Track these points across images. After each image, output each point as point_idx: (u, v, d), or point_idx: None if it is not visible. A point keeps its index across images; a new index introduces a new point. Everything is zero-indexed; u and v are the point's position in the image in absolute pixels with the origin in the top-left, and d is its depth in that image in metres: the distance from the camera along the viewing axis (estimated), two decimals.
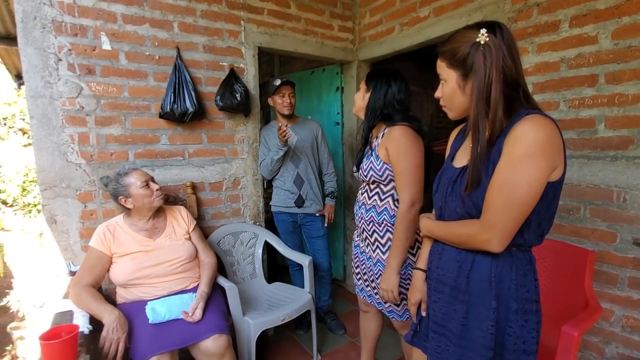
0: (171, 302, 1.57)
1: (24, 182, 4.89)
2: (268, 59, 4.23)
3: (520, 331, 0.89)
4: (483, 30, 0.84)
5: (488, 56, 0.84)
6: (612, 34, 1.50)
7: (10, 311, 2.83)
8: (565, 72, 1.64)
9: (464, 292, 0.94)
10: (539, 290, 0.94)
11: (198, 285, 1.70)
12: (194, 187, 2.13)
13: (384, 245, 1.47)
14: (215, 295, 1.73)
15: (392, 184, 1.45)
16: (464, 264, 0.94)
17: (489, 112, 0.85)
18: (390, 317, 1.53)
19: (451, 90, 0.94)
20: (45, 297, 1.60)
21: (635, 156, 1.47)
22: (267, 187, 2.59)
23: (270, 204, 2.43)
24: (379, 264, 1.49)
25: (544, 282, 1.53)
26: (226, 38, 2.20)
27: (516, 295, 0.89)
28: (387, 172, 1.43)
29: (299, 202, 2.32)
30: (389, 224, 1.46)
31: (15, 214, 4.89)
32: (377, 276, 1.50)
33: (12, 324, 2.14)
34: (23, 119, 5.70)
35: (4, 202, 4.99)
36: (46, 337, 1.16)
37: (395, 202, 1.46)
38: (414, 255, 1.47)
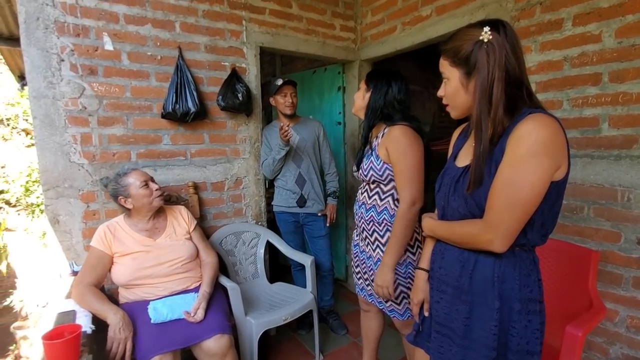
0: (173, 302, 1.57)
1: (27, 183, 4.91)
2: (270, 59, 4.23)
3: (523, 332, 0.89)
4: (486, 28, 0.84)
5: (491, 54, 0.83)
6: (615, 32, 1.49)
7: (14, 311, 2.85)
8: (568, 70, 1.63)
9: (466, 292, 0.93)
10: (542, 291, 0.93)
11: (200, 285, 1.70)
12: (196, 187, 2.13)
13: (384, 245, 1.47)
14: (218, 295, 1.73)
15: (392, 183, 1.45)
16: (467, 264, 0.94)
17: (491, 111, 0.84)
18: (392, 316, 1.53)
19: (454, 89, 0.93)
20: (48, 296, 1.60)
21: (639, 155, 1.46)
22: (269, 187, 2.59)
23: (272, 203, 2.43)
24: (379, 263, 1.48)
25: (548, 282, 1.51)
26: (228, 38, 2.20)
27: (519, 295, 0.89)
28: (388, 171, 1.43)
29: (301, 201, 2.32)
30: (389, 224, 1.45)
31: (19, 214, 4.92)
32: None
33: (15, 324, 2.14)
34: (26, 120, 5.73)
35: (8, 202, 5.01)
36: (49, 337, 1.16)
37: (396, 202, 1.45)
38: (414, 254, 1.47)
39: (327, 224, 2.42)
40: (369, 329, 1.77)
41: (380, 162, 1.43)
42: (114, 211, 1.84)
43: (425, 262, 1.14)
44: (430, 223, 1.07)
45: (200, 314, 1.53)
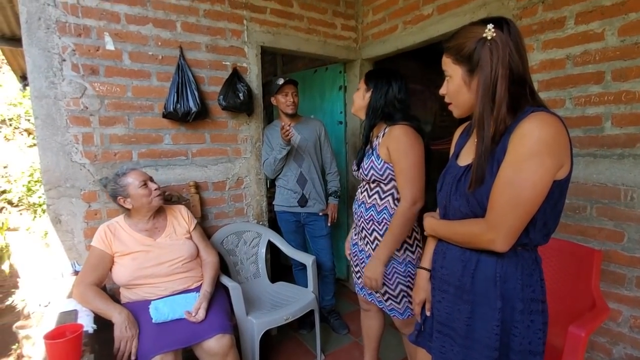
0: (174, 302, 1.57)
1: (29, 182, 4.92)
2: (271, 58, 4.22)
3: (526, 332, 0.88)
4: (490, 26, 0.83)
5: (494, 52, 0.82)
6: (618, 30, 1.48)
7: (16, 310, 2.86)
8: (571, 69, 1.62)
9: (468, 292, 0.93)
10: (545, 290, 0.93)
11: (201, 284, 1.70)
12: (197, 186, 2.13)
13: None
14: (219, 295, 1.73)
15: (393, 183, 1.45)
16: (469, 264, 0.94)
17: (494, 109, 0.84)
18: (392, 315, 1.53)
19: (456, 87, 0.93)
20: (50, 296, 1.61)
21: None
22: (270, 187, 2.59)
23: (274, 203, 2.43)
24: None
25: (550, 282, 1.51)
26: (229, 37, 2.20)
27: (522, 295, 0.88)
28: (388, 171, 1.43)
29: (302, 201, 2.32)
30: (388, 223, 1.45)
31: (21, 214, 4.93)
32: None
33: (17, 323, 2.15)
34: (28, 120, 5.74)
35: (10, 202, 5.03)
36: (51, 337, 1.16)
37: (396, 201, 1.45)
38: (413, 253, 1.47)
39: (329, 224, 2.42)
40: (370, 328, 1.77)
41: (381, 161, 1.43)
42: (116, 211, 1.84)
43: (426, 262, 1.14)
44: (432, 222, 1.07)
45: (201, 314, 1.53)
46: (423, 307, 1.14)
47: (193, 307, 1.56)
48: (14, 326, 2.12)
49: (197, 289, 1.69)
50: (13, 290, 3.16)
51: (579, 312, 1.38)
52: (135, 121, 1.94)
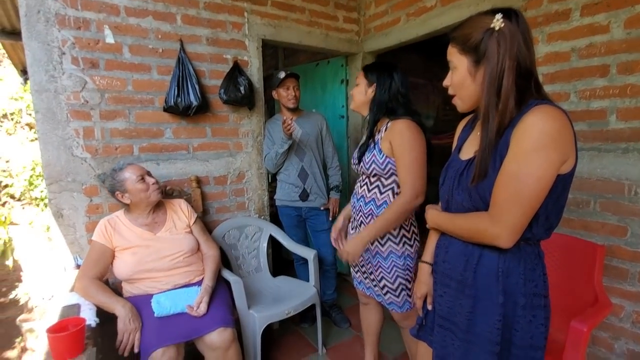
0: (176, 296, 1.58)
1: (30, 177, 4.94)
2: (272, 52, 4.20)
3: (528, 326, 0.88)
4: (498, 16, 0.82)
5: (502, 43, 0.81)
6: (624, 23, 1.46)
7: (20, 304, 2.88)
8: (576, 62, 1.60)
9: (470, 287, 0.93)
10: (547, 285, 0.92)
11: (203, 279, 1.70)
12: (198, 181, 2.13)
13: (382, 238, 1.47)
14: (220, 289, 1.74)
15: (393, 177, 1.44)
16: (471, 258, 0.93)
17: (499, 102, 0.82)
18: (390, 309, 1.53)
19: (461, 78, 0.91)
20: (53, 290, 1.61)
21: None
22: (272, 181, 2.58)
23: (275, 197, 2.43)
24: (377, 256, 1.49)
25: (553, 277, 1.50)
26: (229, 30, 2.18)
27: (524, 290, 0.88)
28: (390, 165, 1.42)
29: (304, 195, 2.31)
30: None
31: (23, 208, 4.95)
32: (375, 268, 1.50)
33: (21, 316, 2.17)
34: (30, 114, 5.74)
35: (12, 196, 5.05)
36: (53, 330, 1.17)
37: (395, 196, 1.45)
38: (411, 246, 1.47)
39: (330, 218, 2.42)
40: (369, 322, 1.78)
41: (383, 155, 1.42)
42: (117, 205, 1.84)
43: (428, 256, 1.13)
44: (435, 215, 1.05)
45: (203, 308, 1.54)
46: (425, 301, 1.14)
47: (195, 301, 1.56)
48: (17, 319, 2.14)
49: (199, 283, 1.69)
50: (16, 284, 3.18)
51: (582, 307, 1.38)
52: (136, 115, 1.94)
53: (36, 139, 1.72)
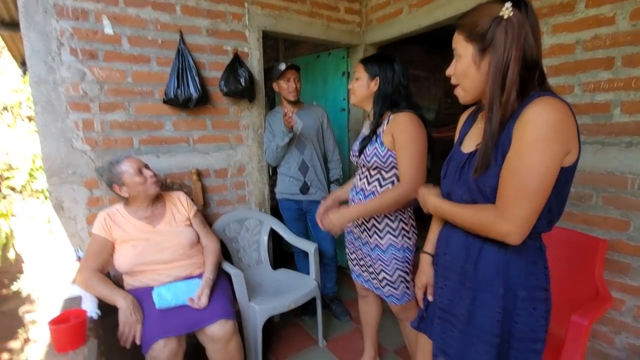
0: (177, 288, 1.58)
1: (31, 169, 4.93)
2: (273, 43, 4.16)
3: (528, 319, 0.88)
4: (508, 4, 0.80)
5: (510, 32, 0.79)
6: (630, 14, 1.43)
7: (22, 296, 2.90)
8: (580, 54, 1.58)
9: (471, 279, 0.92)
10: (549, 279, 0.92)
11: (204, 271, 1.71)
12: (199, 173, 2.12)
13: (381, 231, 1.47)
14: (221, 281, 1.74)
15: (394, 171, 1.44)
16: (472, 251, 0.92)
17: (503, 93, 0.81)
18: (389, 301, 1.53)
19: (465, 66, 0.89)
20: (55, 282, 1.62)
21: None
22: (273, 174, 2.57)
23: (275, 190, 2.42)
24: (377, 249, 1.49)
25: (554, 270, 1.49)
26: (230, 21, 2.15)
27: (525, 282, 0.87)
28: (391, 158, 1.41)
29: (304, 189, 2.31)
30: (387, 211, 1.44)
31: (24, 200, 4.96)
32: (375, 261, 1.50)
33: (23, 308, 2.18)
34: (30, 107, 5.72)
35: (13, 189, 5.05)
36: (55, 322, 1.18)
37: None
38: (409, 238, 1.47)
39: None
40: (368, 314, 1.78)
41: (384, 148, 1.41)
42: (118, 198, 1.84)
43: (430, 246, 1.13)
44: (436, 202, 1.01)
45: (204, 300, 1.54)
46: (425, 294, 1.14)
47: (196, 293, 1.56)
48: (20, 311, 2.15)
49: (200, 276, 1.69)
50: (18, 275, 3.20)
51: (583, 301, 1.38)
52: (136, 107, 1.92)
53: (36, 131, 1.71)
